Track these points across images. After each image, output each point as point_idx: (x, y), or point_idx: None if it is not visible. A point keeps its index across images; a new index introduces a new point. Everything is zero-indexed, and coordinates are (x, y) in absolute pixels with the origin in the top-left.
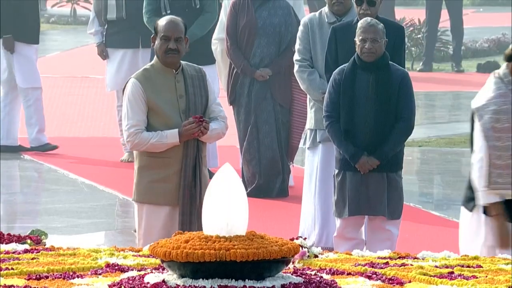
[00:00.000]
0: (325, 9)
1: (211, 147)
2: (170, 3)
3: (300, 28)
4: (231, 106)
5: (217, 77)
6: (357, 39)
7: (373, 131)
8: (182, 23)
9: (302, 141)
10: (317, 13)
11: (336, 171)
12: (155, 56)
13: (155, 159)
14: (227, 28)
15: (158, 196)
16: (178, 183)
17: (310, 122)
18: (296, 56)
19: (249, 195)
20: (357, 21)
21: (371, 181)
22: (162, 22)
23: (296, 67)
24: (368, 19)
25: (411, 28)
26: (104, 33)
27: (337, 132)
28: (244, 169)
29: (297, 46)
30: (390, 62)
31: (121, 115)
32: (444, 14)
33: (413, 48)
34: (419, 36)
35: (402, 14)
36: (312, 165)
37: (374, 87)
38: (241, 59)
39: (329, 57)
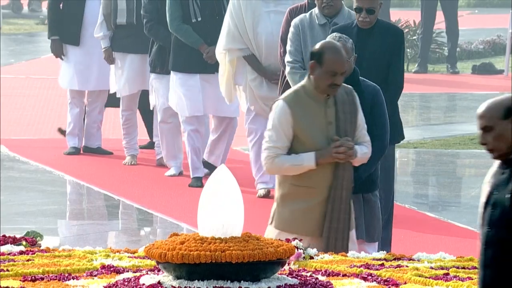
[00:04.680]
0: (315, 10)
1: (221, 153)
2: (201, 9)
3: (291, 29)
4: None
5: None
6: None
7: None
8: (344, 49)
9: None
10: (307, 14)
11: None
12: (307, 78)
13: (299, 188)
14: (282, 35)
15: (300, 227)
16: (323, 214)
17: None
18: (288, 58)
19: None
20: (356, 24)
21: None
22: (329, 54)
23: (287, 69)
24: (336, 35)
25: (406, 30)
26: (111, 37)
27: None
28: None
29: (288, 47)
30: (360, 77)
31: (124, 120)
32: (440, 16)
33: (408, 50)
34: (414, 37)
35: (397, 15)
36: None
37: None
38: None
39: None
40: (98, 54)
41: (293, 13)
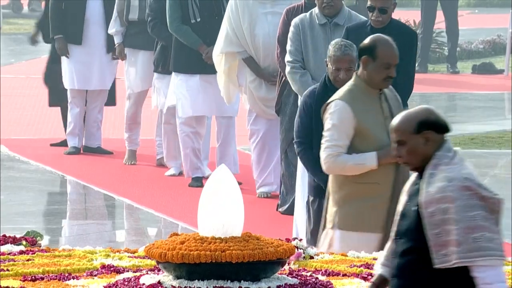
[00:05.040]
0: (316, 10)
1: (233, 153)
2: (200, 10)
3: (291, 29)
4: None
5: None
6: (330, 64)
7: None
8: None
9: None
10: (307, 14)
11: (311, 198)
12: (355, 76)
13: (363, 185)
14: (279, 36)
15: (368, 224)
16: (388, 209)
17: None
18: (288, 57)
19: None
20: (370, 23)
21: None
22: (381, 47)
23: (288, 68)
24: (341, 43)
25: None
26: (124, 33)
27: (311, 160)
28: (284, 181)
29: (288, 47)
30: None
31: (129, 116)
32: (440, 16)
33: None
34: None
35: (397, 15)
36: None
37: None
38: None
39: None
40: (99, 53)
41: (290, 13)
